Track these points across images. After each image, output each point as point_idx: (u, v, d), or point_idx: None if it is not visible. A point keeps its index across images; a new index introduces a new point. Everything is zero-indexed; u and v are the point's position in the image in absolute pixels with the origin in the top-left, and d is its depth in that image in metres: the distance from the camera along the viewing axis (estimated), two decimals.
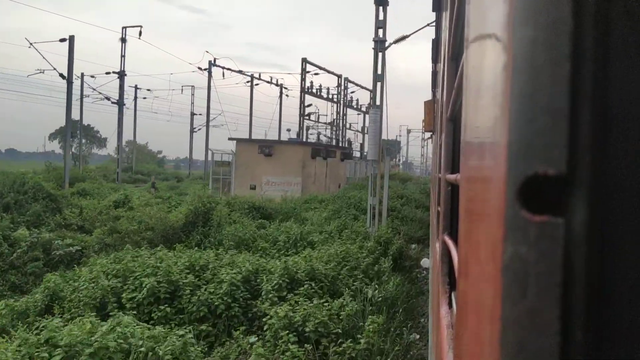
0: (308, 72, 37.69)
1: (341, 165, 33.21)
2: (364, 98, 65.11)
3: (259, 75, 46.12)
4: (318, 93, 40.98)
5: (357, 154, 48.75)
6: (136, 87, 51.68)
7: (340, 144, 42.51)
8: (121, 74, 35.60)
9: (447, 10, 2.21)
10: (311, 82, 39.02)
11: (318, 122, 42.37)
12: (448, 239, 1.88)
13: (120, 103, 36.35)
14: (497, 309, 0.43)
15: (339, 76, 44.60)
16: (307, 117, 37.83)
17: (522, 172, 0.41)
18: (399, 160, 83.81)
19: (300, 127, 37.32)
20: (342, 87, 45.27)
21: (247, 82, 45.21)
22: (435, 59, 6.18)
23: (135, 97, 52.00)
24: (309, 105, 38.29)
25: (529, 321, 0.40)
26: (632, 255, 0.39)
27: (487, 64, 0.55)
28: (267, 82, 46.16)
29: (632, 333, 0.39)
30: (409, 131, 77.98)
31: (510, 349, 0.41)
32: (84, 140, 70.41)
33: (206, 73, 42.78)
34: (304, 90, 37.24)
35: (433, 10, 5.13)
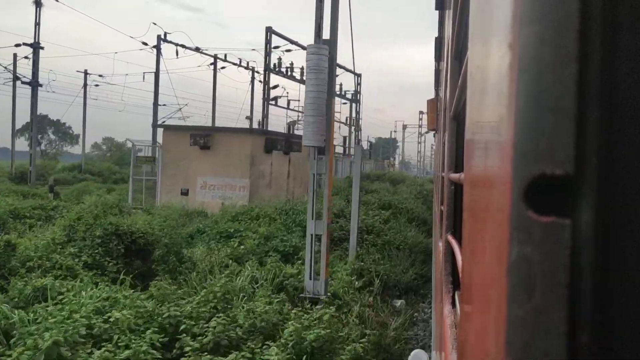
0: (277, 47, 29.07)
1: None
2: (349, 82, 58.17)
3: (225, 56, 34.85)
4: (289, 73, 31.30)
5: (341, 150, 42.72)
6: (86, 73, 42.44)
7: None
8: (35, 47, 27.38)
9: (451, 8, 2.21)
10: (279, 60, 29.99)
11: (288, 108, 32.33)
12: (452, 239, 1.87)
13: (33, 84, 27.89)
14: (503, 310, 0.43)
15: None
16: (272, 102, 29.23)
17: (529, 172, 0.40)
18: (395, 159, 78.36)
19: (265, 115, 28.55)
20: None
21: (211, 64, 35.29)
22: (438, 57, 6.17)
23: (85, 85, 42.69)
24: (275, 86, 29.38)
25: (535, 322, 0.40)
26: (638, 256, 0.39)
27: (492, 63, 0.55)
28: (235, 64, 35.05)
29: (638, 334, 0.39)
30: (404, 127, 69.51)
31: (516, 350, 0.41)
32: (53, 137, 65.73)
33: (154, 53, 32.33)
34: (269, 69, 28.52)
35: (436, 9, 5.12)
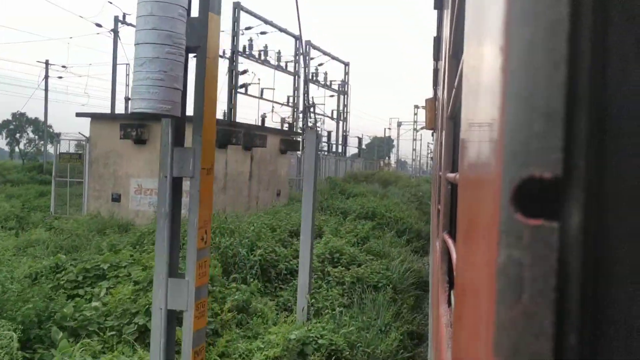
0: (249, 28, 25.21)
1: (281, 159, 20.18)
2: (335, 72, 53.16)
3: None
4: (262, 57, 27.24)
5: (332, 147, 39.45)
6: (47, 63, 38.41)
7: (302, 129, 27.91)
8: None
9: (449, 8, 2.21)
10: (249, 42, 25.97)
11: (261, 97, 27.74)
12: (448, 238, 1.88)
13: None
14: (492, 312, 0.43)
15: (297, 38, 28.55)
16: (242, 91, 25.01)
17: (517, 174, 0.40)
18: (391, 158, 73.52)
19: (233, 106, 23.56)
20: (303, 52, 29.97)
21: None
22: (436, 56, 6.17)
23: (47, 76, 38.75)
24: (244, 71, 24.83)
25: (524, 325, 0.40)
26: (627, 259, 0.39)
27: (485, 65, 0.55)
28: None
29: (627, 338, 0.39)
30: (399, 124, 62.57)
31: (504, 353, 0.41)
32: (32, 136, 62.27)
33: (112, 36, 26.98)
34: (238, 52, 24.06)
35: (435, 8, 5.12)
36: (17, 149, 60.69)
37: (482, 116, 0.56)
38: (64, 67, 36.34)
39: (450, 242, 1.75)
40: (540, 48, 0.39)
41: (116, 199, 14.94)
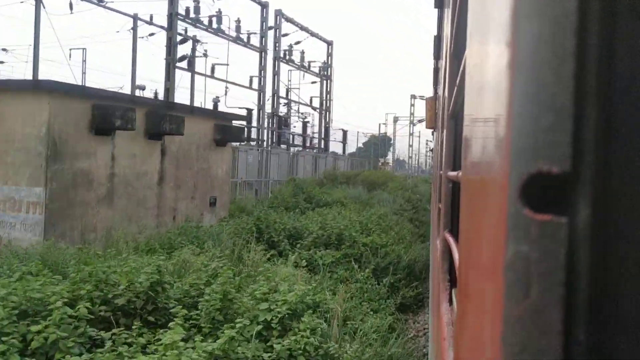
0: None
1: (216, 154, 14.29)
2: (313, 51, 41.91)
3: (151, 18, 23.58)
4: (215, 26, 21.30)
5: (315, 141, 33.41)
6: None
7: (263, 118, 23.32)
8: None
9: (450, 6, 2.20)
10: (195, 3, 20.10)
11: (211, 76, 21.99)
12: (449, 236, 1.88)
13: None
14: (499, 308, 0.43)
15: (264, 5, 23.38)
16: (183, 66, 19.80)
17: (526, 170, 0.40)
18: (389, 157, 66.77)
19: (170, 85, 17.96)
20: (275, 26, 24.60)
21: (131, 29, 23.68)
22: (437, 55, 6.17)
23: None
24: (183, 40, 19.95)
25: (532, 321, 0.40)
26: (635, 254, 0.39)
27: (490, 61, 0.55)
28: (163, 28, 21.03)
29: (635, 333, 0.39)
30: (396, 119, 54.89)
31: (512, 349, 0.41)
32: None
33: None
34: (177, 14, 18.61)
35: (435, 7, 5.11)
36: None
37: (488, 112, 0.56)
38: (4, 50, 30.08)
39: (451, 240, 1.75)
40: (547, 43, 0.39)
41: None
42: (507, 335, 0.42)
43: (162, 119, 11.57)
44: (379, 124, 64.82)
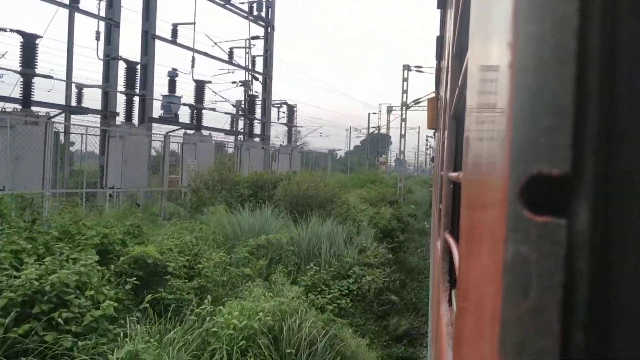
0: None
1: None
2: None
3: None
4: None
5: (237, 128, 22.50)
6: None
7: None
8: None
9: (452, 7, 2.20)
10: None
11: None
12: (449, 237, 1.88)
13: None
14: (498, 309, 0.43)
15: None
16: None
17: (525, 171, 0.40)
18: (388, 155, 60.70)
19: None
20: None
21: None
22: (439, 56, 6.16)
23: None
24: None
25: (530, 322, 0.40)
26: (634, 257, 0.39)
27: (492, 62, 0.55)
28: None
29: (634, 335, 0.39)
30: (389, 110, 45.16)
31: (510, 350, 0.41)
32: None
33: None
34: None
35: (438, 7, 5.11)
36: None
37: (489, 113, 0.56)
38: None
39: (451, 241, 1.75)
40: (549, 44, 0.39)
41: None
42: (505, 336, 0.42)
43: None
44: (368, 113, 55.14)
